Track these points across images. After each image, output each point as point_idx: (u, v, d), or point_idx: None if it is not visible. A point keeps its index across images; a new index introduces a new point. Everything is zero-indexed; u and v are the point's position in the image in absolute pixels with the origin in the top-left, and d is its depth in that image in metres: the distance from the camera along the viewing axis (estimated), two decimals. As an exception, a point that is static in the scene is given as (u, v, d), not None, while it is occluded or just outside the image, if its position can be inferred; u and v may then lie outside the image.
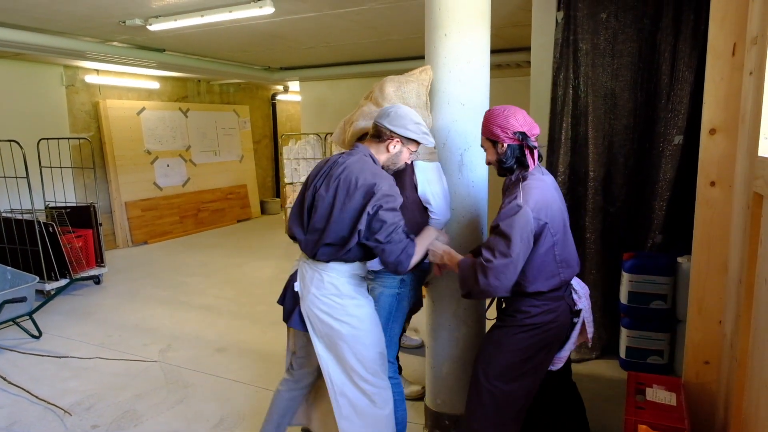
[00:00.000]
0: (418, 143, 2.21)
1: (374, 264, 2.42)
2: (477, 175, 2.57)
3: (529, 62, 4.09)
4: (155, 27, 4.83)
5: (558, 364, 2.25)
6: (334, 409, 2.23)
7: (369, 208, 2.04)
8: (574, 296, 2.21)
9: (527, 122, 2.07)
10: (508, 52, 6.42)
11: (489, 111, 2.13)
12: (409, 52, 6.71)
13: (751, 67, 2.14)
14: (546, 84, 3.73)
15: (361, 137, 2.38)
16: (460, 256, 2.20)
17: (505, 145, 2.07)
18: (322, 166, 2.21)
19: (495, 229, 2.03)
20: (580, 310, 2.23)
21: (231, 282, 5.96)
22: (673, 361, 3.45)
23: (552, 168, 3.57)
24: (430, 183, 2.38)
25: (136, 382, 3.59)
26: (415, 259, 2.13)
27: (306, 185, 2.23)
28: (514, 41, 5.93)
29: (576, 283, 2.24)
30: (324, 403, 2.39)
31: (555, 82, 3.59)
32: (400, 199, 2.12)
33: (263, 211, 10.35)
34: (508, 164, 2.10)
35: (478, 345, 2.68)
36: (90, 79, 7.40)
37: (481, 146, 2.21)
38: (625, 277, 3.44)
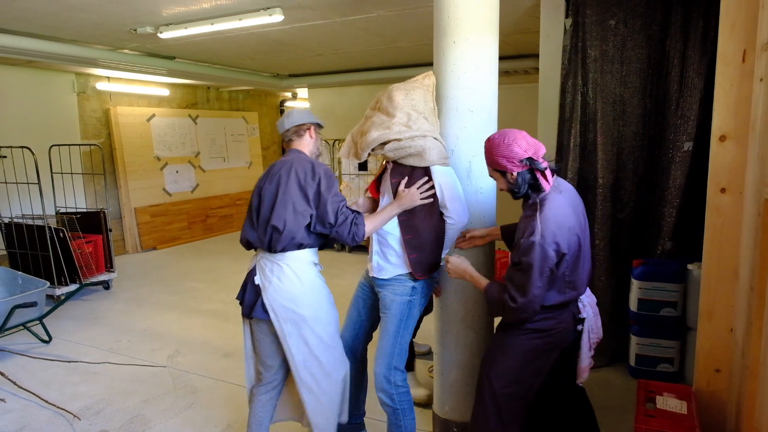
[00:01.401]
0: (320, 126, 2.54)
1: (385, 273, 2.43)
2: (485, 182, 2.56)
3: (537, 69, 4.10)
4: (166, 35, 4.88)
5: (583, 375, 2.27)
6: (297, 383, 2.43)
7: (309, 191, 2.28)
8: (579, 305, 2.21)
9: (531, 145, 2.01)
10: (516, 58, 6.42)
11: (488, 141, 2.08)
12: (417, 59, 6.74)
13: (761, 74, 2.13)
14: (554, 91, 3.73)
15: (377, 147, 2.39)
16: (484, 280, 2.19)
17: (515, 173, 2.03)
18: (267, 170, 2.45)
19: (517, 265, 2.01)
20: (584, 319, 2.22)
21: (239, 288, 5.95)
22: (684, 369, 3.42)
23: (561, 175, 3.56)
24: (446, 187, 2.37)
25: (144, 387, 3.60)
26: (372, 228, 2.34)
27: (252, 196, 2.45)
28: (523, 48, 5.93)
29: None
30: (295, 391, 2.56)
31: (563, 89, 3.59)
32: (336, 183, 2.33)
33: (271, 217, 10.36)
34: (522, 192, 2.06)
35: (483, 352, 2.68)
36: (101, 86, 7.48)
37: (490, 176, 2.18)
38: (635, 284, 3.42)
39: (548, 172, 2.05)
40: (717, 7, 2.41)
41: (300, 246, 2.34)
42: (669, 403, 2.40)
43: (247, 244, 2.44)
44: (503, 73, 6.58)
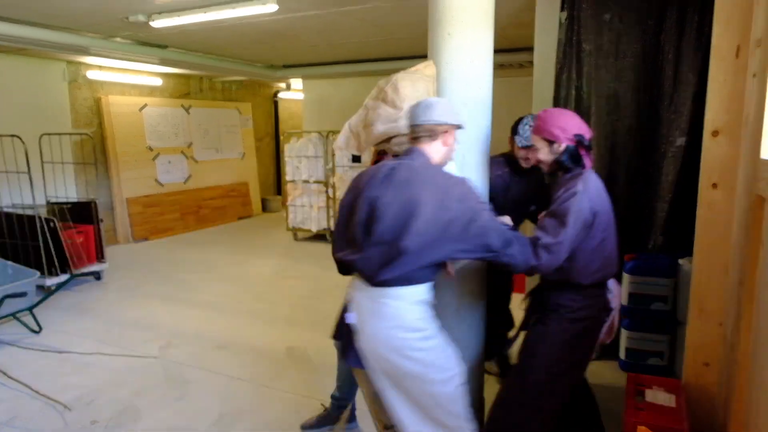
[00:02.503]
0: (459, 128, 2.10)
1: None
2: (478, 176, 2.56)
3: (532, 62, 4.09)
4: (158, 23, 4.83)
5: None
6: None
7: (461, 216, 1.80)
8: (609, 295, 2.27)
9: (583, 126, 2.18)
10: (511, 52, 6.41)
11: (545, 112, 2.22)
12: (413, 50, 6.70)
13: (755, 70, 2.14)
14: (549, 84, 3.73)
15: (382, 141, 2.35)
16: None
17: (563, 145, 2.15)
18: (374, 173, 1.95)
19: (552, 213, 2.08)
20: (611, 309, 2.30)
21: (232, 279, 5.96)
22: (673, 363, 3.44)
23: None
24: None
25: (135, 379, 3.59)
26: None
27: (353, 198, 1.96)
28: (518, 41, 5.92)
29: (611, 282, 2.31)
30: None
31: (558, 83, 3.59)
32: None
33: (264, 208, 10.34)
34: (564, 162, 2.16)
35: (478, 345, 2.68)
36: (92, 74, 7.40)
37: (532, 142, 2.28)
38: (626, 278, 3.43)
39: (591, 154, 2.19)
40: (712, 2, 2.40)
41: (410, 281, 1.88)
42: (658, 396, 2.42)
43: (343, 267, 2.00)
44: (498, 66, 6.54)
